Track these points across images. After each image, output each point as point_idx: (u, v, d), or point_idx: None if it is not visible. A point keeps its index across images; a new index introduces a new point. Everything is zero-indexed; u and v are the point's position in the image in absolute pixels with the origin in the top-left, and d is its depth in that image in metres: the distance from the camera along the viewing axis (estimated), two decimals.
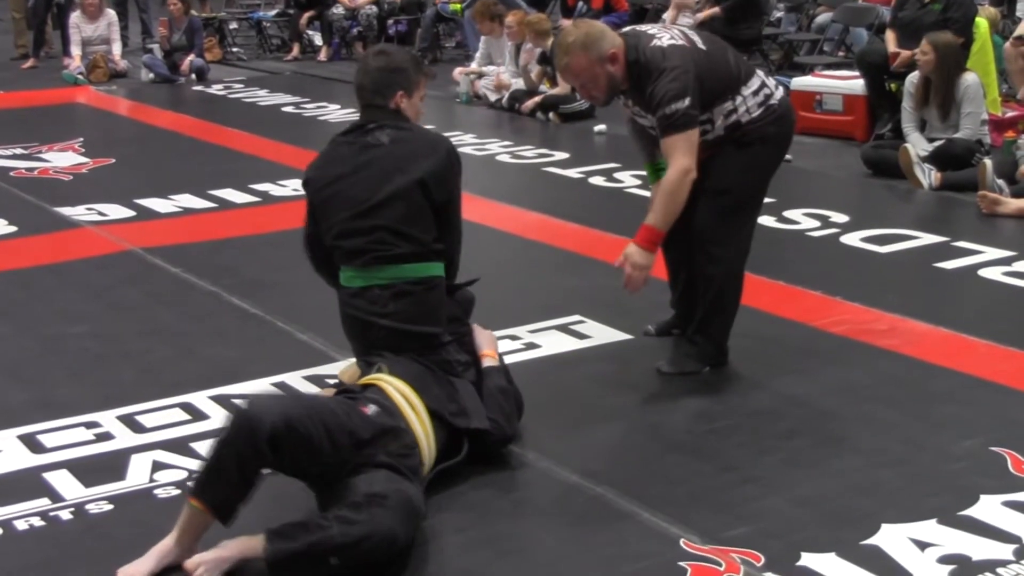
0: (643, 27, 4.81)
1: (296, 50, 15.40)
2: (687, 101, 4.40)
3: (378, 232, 4.01)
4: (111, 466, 4.04)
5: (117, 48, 14.06)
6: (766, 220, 6.98)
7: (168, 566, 3.37)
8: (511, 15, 11.48)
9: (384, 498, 3.38)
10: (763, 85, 4.70)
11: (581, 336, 5.23)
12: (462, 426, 3.91)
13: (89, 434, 4.30)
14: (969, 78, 8.01)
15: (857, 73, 9.60)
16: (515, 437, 4.12)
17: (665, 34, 4.59)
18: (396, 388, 3.81)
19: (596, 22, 4.77)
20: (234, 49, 15.92)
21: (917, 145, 8.05)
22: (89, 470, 4.01)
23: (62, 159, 9.36)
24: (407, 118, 4.18)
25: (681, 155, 4.42)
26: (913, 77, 8.22)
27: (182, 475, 3.96)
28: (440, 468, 3.84)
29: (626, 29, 4.73)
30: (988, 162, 7.45)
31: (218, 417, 4.37)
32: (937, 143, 8.00)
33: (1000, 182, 7.35)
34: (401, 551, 3.39)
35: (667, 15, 11.80)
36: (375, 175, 4.05)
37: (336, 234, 4.08)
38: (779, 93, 4.77)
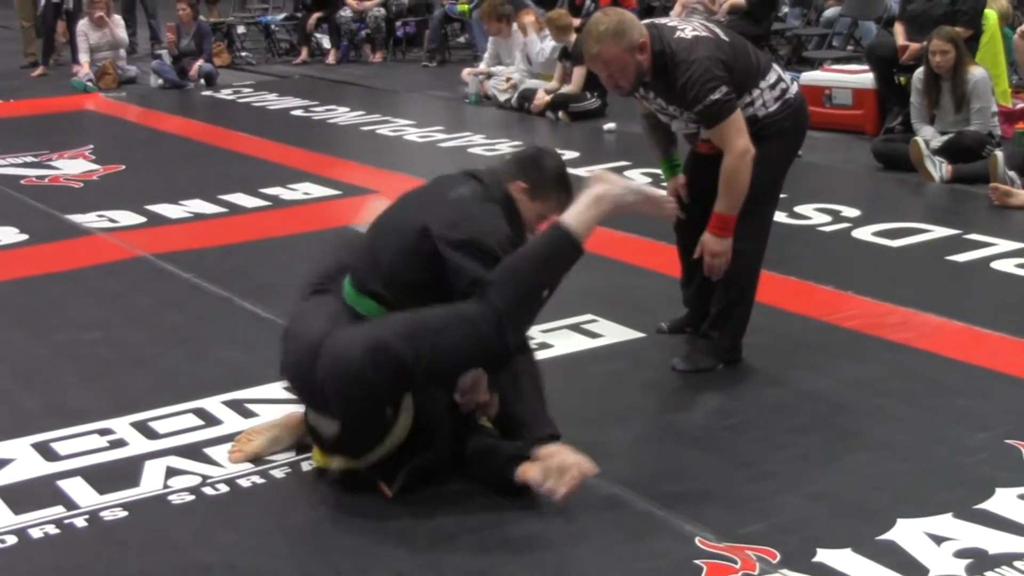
0: (662, 20, 4.78)
1: (305, 54, 15.41)
2: (724, 89, 4.41)
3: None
4: (125, 473, 4.03)
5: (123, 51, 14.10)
6: (777, 216, 6.89)
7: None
8: (524, 14, 11.44)
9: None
10: (779, 79, 4.68)
11: (594, 335, 5.22)
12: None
13: (103, 441, 4.30)
14: (977, 72, 7.99)
15: (866, 67, 9.58)
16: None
17: (687, 26, 4.58)
18: None
19: (625, 11, 4.73)
20: (243, 53, 15.94)
21: (929, 136, 8.03)
22: (103, 477, 4.01)
23: (72, 166, 9.37)
24: (512, 203, 3.90)
25: (735, 138, 4.45)
26: (920, 73, 8.19)
27: (196, 480, 3.96)
28: (415, 465, 3.77)
29: (645, 21, 4.67)
30: (999, 154, 7.43)
31: (231, 422, 4.38)
32: (948, 136, 7.99)
33: (1012, 174, 7.33)
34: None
35: (673, 13, 11.77)
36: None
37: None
38: (794, 87, 4.75)
